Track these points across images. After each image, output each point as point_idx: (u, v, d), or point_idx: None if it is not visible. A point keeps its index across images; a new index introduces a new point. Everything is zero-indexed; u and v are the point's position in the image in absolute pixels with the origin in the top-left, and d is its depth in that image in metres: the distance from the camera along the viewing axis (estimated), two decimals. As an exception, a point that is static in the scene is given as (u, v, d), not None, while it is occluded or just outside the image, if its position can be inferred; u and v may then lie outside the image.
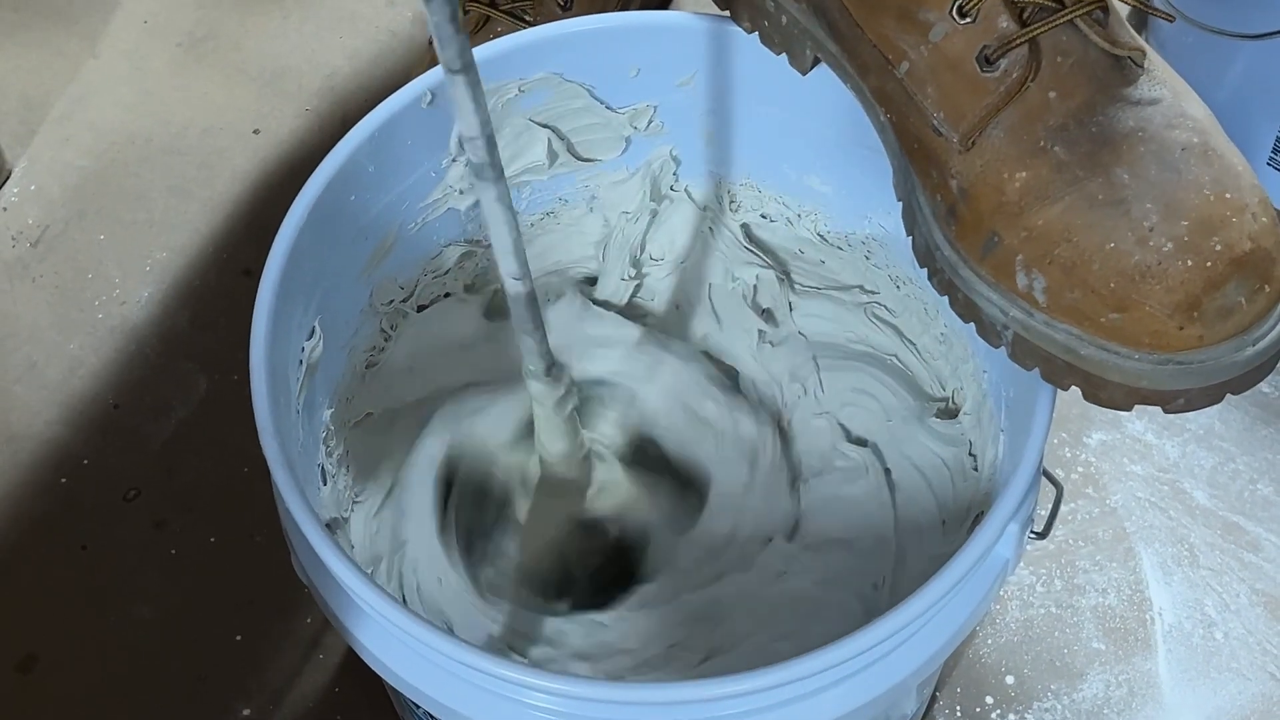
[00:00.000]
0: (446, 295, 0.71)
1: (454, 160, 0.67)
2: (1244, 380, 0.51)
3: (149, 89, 0.97)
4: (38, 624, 0.75)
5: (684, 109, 0.69)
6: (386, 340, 0.69)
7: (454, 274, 0.71)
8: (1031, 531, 0.58)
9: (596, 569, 0.68)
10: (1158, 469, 0.79)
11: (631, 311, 0.74)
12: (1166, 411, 0.52)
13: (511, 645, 0.64)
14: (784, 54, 0.63)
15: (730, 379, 0.73)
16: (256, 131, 0.94)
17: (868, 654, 0.51)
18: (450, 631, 0.59)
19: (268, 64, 0.98)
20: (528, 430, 0.67)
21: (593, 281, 0.74)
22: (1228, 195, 0.51)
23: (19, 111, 0.95)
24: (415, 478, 0.68)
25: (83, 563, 0.77)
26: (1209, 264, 0.50)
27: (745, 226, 0.73)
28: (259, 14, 1.00)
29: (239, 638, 0.74)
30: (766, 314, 0.73)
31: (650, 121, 0.70)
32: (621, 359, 0.72)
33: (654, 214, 0.73)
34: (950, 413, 0.68)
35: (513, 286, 0.56)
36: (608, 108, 0.69)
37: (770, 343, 0.72)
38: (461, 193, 0.68)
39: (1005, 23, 0.53)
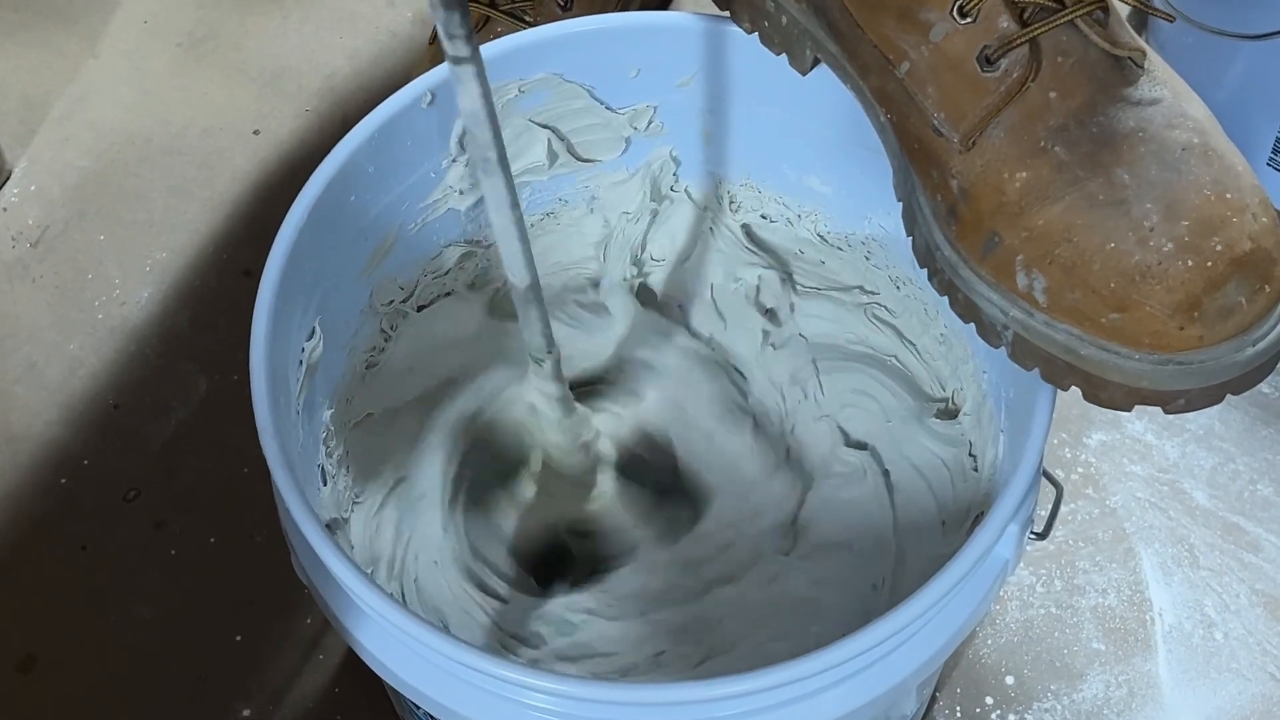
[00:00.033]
0: (448, 294, 0.71)
1: (454, 160, 0.67)
2: (1244, 380, 0.51)
3: (149, 89, 0.97)
4: (38, 624, 0.75)
5: (684, 109, 0.69)
6: (386, 341, 0.69)
7: (454, 274, 0.71)
8: (1031, 532, 0.58)
9: (584, 558, 0.68)
10: (1158, 469, 0.79)
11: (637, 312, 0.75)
12: (1167, 412, 0.52)
13: (500, 642, 0.64)
14: (784, 54, 0.63)
15: (733, 381, 0.73)
16: (256, 132, 0.94)
17: (868, 654, 0.51)
18: (446, 629, 0.59)
19: (268, 64, 0.98)
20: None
21: (596, 284, 0.74)
22: (1228, 195, 0.51)
23: (19, 111, 0.95)
24: (435, 440, 0.69)
25: (83, 563, 0.77)
26: (1209, 264, 0.50)
27: (746, 227, 0.73)
28: (259, 14, 1.00)
29: (239, 638, 0.74)
30: (770, 314, 0.73)
31: (650, 122, 0.70)
32: (628, 359, 0.72)
33: (654, 214, 0.73)
34: (950, 413, 0.68)
35: (516, 276, 0.56)
36: (608, 108, 0.69)
37: (773, 345, 0.72)
38: (461, 193, 0.68)
39: (1006, 23, 0.53)
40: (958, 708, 0.72)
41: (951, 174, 0.54)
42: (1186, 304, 0.50)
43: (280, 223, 0.59)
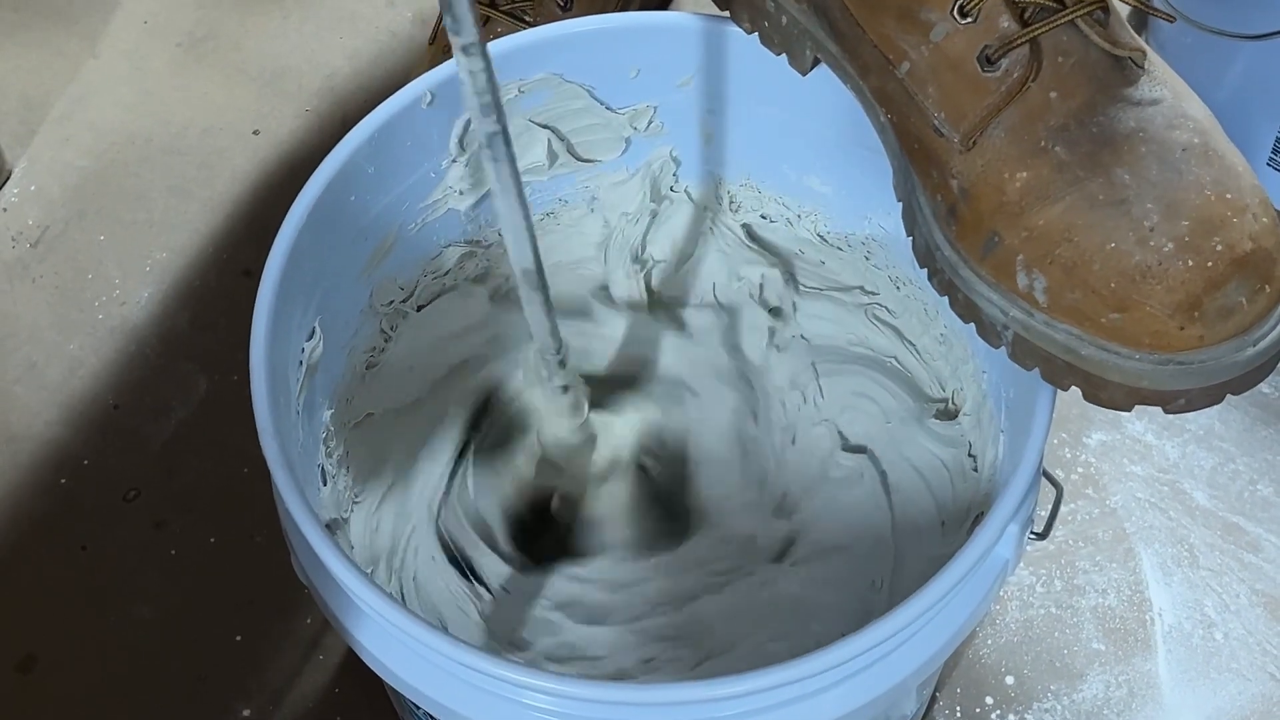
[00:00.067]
0: (451, 289, 0.71)
1: (454, 161, 0.67)
2: (1244, 380, 0.51)
3: (149, 89, 0.97)
4: (38, 624, 0.75)
5: (684, 109, 0.69)
6: (386, 341, 0.69)
7: (454, 274, 0.71)
8: (1031, 532, 0.58)
9: (574, 541, 0.68)
10: (1158, 469, 0.79)
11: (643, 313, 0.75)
12: (1167, 412, 0.52)
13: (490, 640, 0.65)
14: (784, 54, 0.63)
15: (735, 386, 0.72)
16: (256, 132, 0.94)
17: (868, 654, 0.51)
18: (444, 629, 0.59)
19: (268, 64, 0.98)
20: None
21: (600, 285, 0.75)
22: (1228, 195, 0.51)
23: (19, 111, 0.95)
24: (451, 410, 0.70)
25: (83, 563, 0.77)
26: (1210, 264, 0.50)
27: (746, 226, 0.73)
28: (259, 14, 1.00)
29: (239, 638, 0.74)
30: (774, 312, 0.73)
31: (650, 122, 0.70)
32: (630, 360, 0.73)
33: (654, 215, 0.73)
34: (950, 414, 0.68)
35: (521, 264, 0.56)
36: (607, 108, 0.69)
37: (777, 346, 0.72)
38: (461, 193, 0.68)
39: (1006, 23, 0.53)
40: (958, 708, 0.72)
41: (952, 174, 0.54)
42: (1187, 304, 0.50)
43: (280, 223, 0.59)
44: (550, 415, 0.65)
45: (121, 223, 0.90)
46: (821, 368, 0.71)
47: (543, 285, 0.57)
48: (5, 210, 0.91)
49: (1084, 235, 0.51)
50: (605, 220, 0.73)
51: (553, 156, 0.69)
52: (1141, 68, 0.54)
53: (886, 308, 0.71)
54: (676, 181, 0.73)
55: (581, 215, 0.73)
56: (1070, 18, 0.53)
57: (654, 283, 0.75)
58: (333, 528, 0.62)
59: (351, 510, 0.66)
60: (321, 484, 0.63)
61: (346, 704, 0.72)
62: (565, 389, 0.63)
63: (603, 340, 0.73)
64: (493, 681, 0.50)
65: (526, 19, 0.80)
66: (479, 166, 0.68)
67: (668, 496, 0.70)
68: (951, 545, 0.60)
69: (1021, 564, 0.74)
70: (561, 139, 0.69)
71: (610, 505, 0.68)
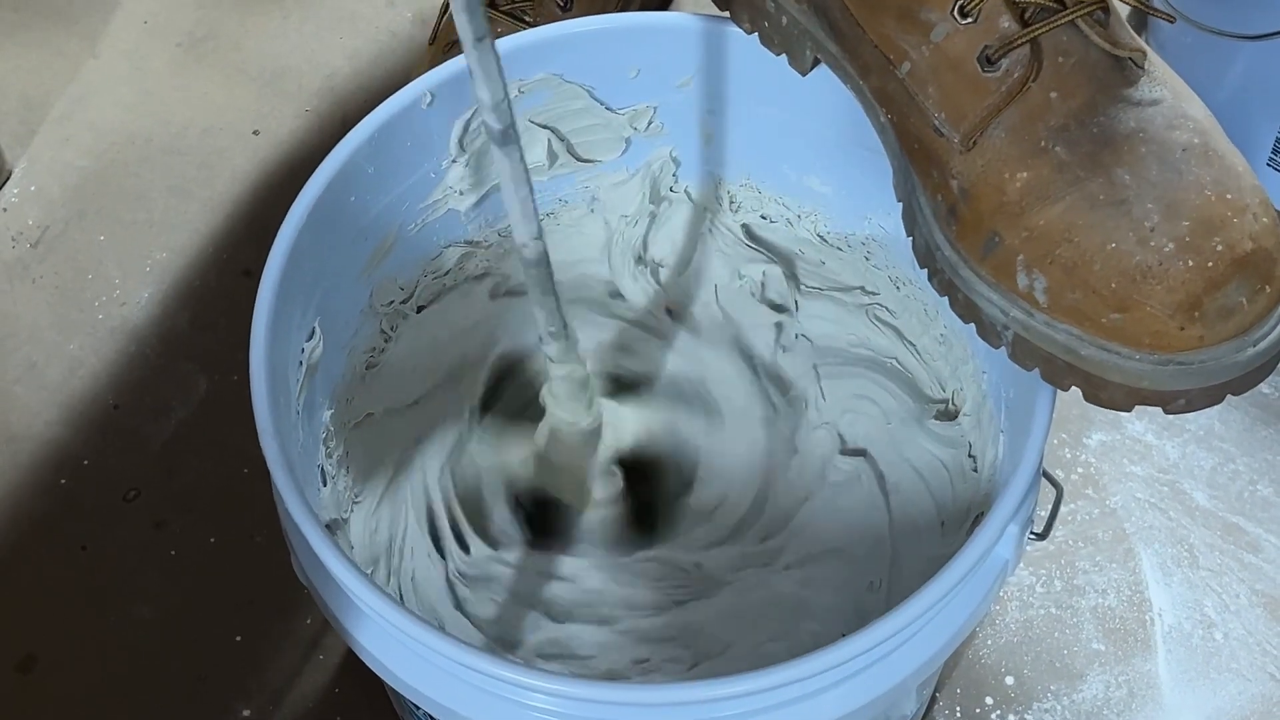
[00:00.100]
0: (452, 289, 0.71)
1: (454, 161, 0.67)
2: (1245, 381, 0.51)
3: (149, 89, 0.97)
4: (38, 624, 0.75)
5: (684, 110, 0.69)
6: (386, 341, 0.69)
7: (454, 275, 0.71)
8: (1031, 532, 0.58)
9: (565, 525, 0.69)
10: (1157, 470, 0.79)
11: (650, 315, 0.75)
12: (1167, 412, 0.52)
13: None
14: (784, 55, 0.63)
15: (741, 388, 0.72)
16: (256, 132, 0.94)
17: (867, 655, 0.51)
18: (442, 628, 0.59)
19: (268, 64, 0.98)
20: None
21: (615, 291, 0.75)
22: (1229, 196, 0.51)
23: (19, 111, 0.95)
24: (452, 407, 0.70)
25: (83, 563, 0.77)
26: (1210, 264, 0.50)
27: (745, 226, 0.73)
28: (259, 14, 1.00)
29: (239, 638, 0.74)
30: (778, 309, 0.73)
31: (650, 122, 0.70)
32: (643, 359, 0.73)
33: (653, 216, 0.73)
34: (950, 414, 0.68)
35: (527, 251, 0.56)
36: (607, 109, 0.69)
37: (783, 346, 0.72)
38: (461, 193, 0.68)
39: (1007, 23, 0.53)
40: (958, 708, 0.72)
41: (952, 174, 0.54)
42: (1187, 304, 0.50)
43: (280, 223, 0.59)
44: (558, 401, 0.65)
45: (121, 223, 0.90)
46: (823, 370, 0.71)
47: (547, 269, 0.57)
48: (5, 210, 0.91)
49: (1084, 235, 0.51)
50: (605, 222, 0.73)
51: (553, 157, 0.69)
52: (1141, 68, 0.54)
53: (887, 308, 0.71)
54: (676, 182, 0.73)
55: (582, 215, 0.73)
56: (1070, 18, 0.53)
57: (661, 284, 0.74)
58: (332, 528, 0.62)
59: (351, 510, 0.66)
60: (321, 484, 0.63)
61: (346, 704, 0.72)
62: (572, 367, 0.63)
63: (611, 340, 0.73)
64: (492, 681, 0.50)
65: (526, 19, 0.80)
66: (479, 167, 0.68)
67: (666, 494, 0.70)
68: (951, 546, 0.60)
69: (1021, 564, 0.74)
70: (561, 139, 0.69)
71: (607, 500, 0.68)
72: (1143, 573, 0.76)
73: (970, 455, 0.66)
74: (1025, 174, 0.53)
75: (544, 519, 0.69)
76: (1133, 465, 0.79)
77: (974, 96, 0.54)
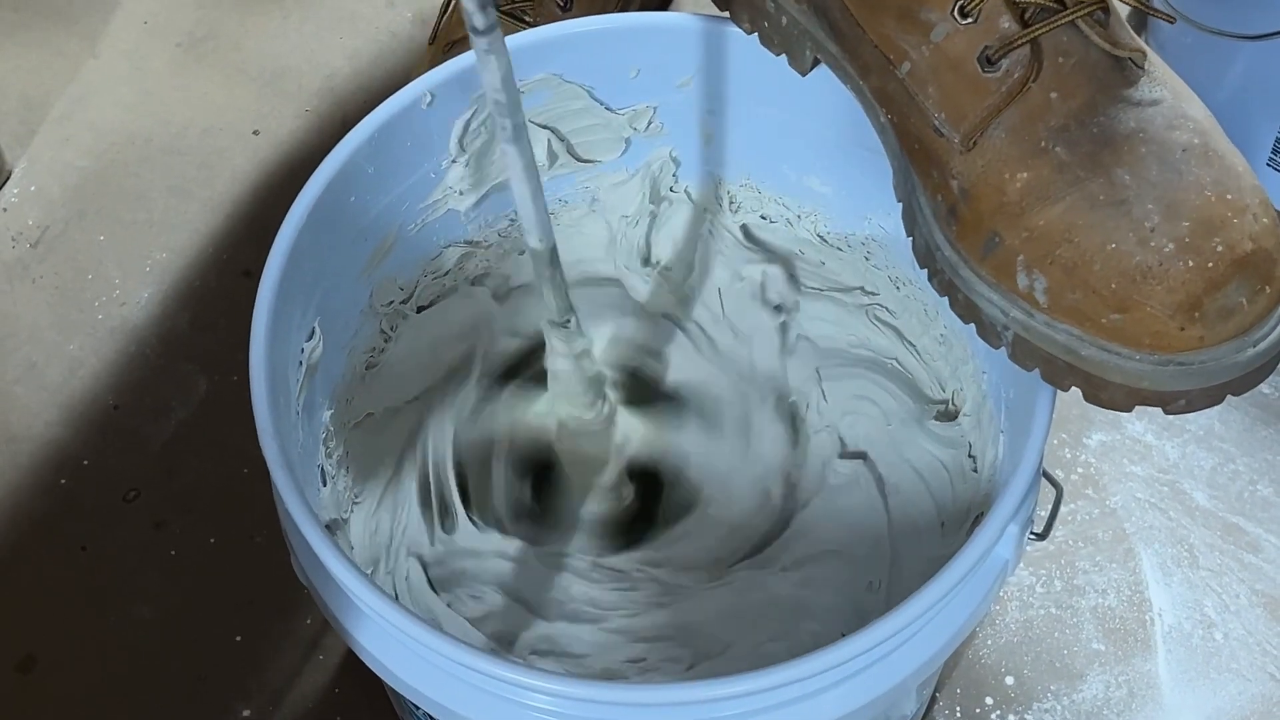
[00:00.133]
0: (452, 290, 0.71)
1: (454, 161, 0.67)
2: (1245, 381, 0.51)
3: (149, 89, 0.97)
4: (38, 624, 0.75)
5: (683, 110, 0.69)
6: (386, 341, 0.69)
7: (454, 275, 0.71)
8: (1031, 532, 0.58)
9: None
10: (1157, 470, 0.79)
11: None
12: (1167, 412, 0.52)
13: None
14: (784, 55, 0.63)
15: (745, 391, 0.72)
16: (256, 132, 0.94)
17: (867, 655, 0.51)
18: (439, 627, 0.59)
19: (268, 64, 0.98)
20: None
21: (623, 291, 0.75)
22: (1229, 196, 0.51)
23: (19, 111, 0.95)
24: (454, 404, 0.70)
25: (83, 563, 0.77)
26: (1210, 265, 0.50)
27: (745, 227, 0.73)
28: (259, 14, 1.00)
29: (239, 638, 0.74)
30: (779, 310, 0.73)
31: (650, 122, 0.70)
32: (651, 358, 0.73)
33: (654, 216, 0.73)
34: (950, 415, 0.68)
35: (534, 241, 0.56)
36: (607, 109, 0.69)
37: (787, 350, 0.72)
38: (461, 194, 0.68)
39: (1007, 23, 0.53)
40: (958, 708, 0.72)
41: (952, 174, 0.54)
42: (1187, 304, 0.50)
43: (280, 223, 0.59)
44: (566, 394, 0.65)
45: (121, 223, 0.90)
46: (824, 372, 0.71)
47: (555, 261, 0.57)
48: (5, 210, 0.91)
49: (1084, 236, 0.51)
50: (607, 222, 0.73)
51: (553, 157, 0.69)
52: (1141, 68, 0.54)
53: (887, 308, 0.71)
54: (676, 182, 0.73)
55: (582, 215, 0.73)
56: (1071, 18, 0.53)
57: (669, 284, 0.74)
58: (332, 528, 0.62)
59: (351, 510, 0.66)
60: (321, 484, 0.63)
61: (346, 704, 0.72)
62: (579, 357, 0.63)
63: (618, 336, 0.73)
64: (492, 681, 0.50)
65: (526, 19, 0.80)
66: (479, 167, 0.68)
67: (665, 495, 0.70)
68: (951, 546, 0.60)
69: (1021, 564, 0.74)
70: (561, 139, 0.69)
71: (606, 496, 0.68)
72: (1143, 573, 0.76)
73: (970, 455, 0.66)
74: (1025, 174, 0.53)
75: (543, 506, 0.68)
76: (1133, 465, 0.79)
77: (974, 97, 0.54)
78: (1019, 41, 0.53)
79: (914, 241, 0.58)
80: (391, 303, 0.68)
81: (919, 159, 0.56)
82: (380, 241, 0.66)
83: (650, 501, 0.70)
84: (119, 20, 1.00)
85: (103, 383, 0.83)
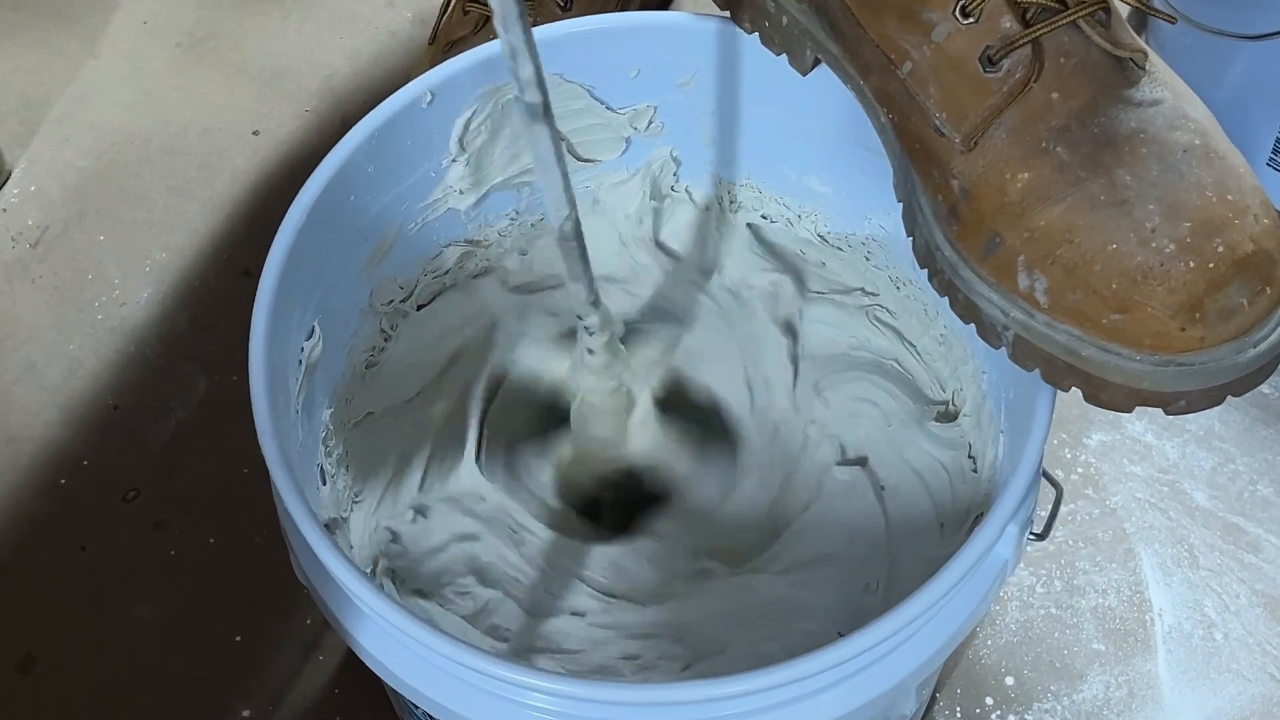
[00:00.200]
0: (451, 287, 0.71)
1: (454, 160, 0.67)
2: (1245, 382, 0.51)
3: (149, 89, 0.97)
4: (38, 624, 0.75)
5: (684, 110, 0.69)
6: (386, 340, 0.69)
7: (454, 274, 0.71)
8: (1031, 532, 0.58)
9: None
10: (1158, 470, 0.79)
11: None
12: (1167, 413, 0.52)
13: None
14: (784, 54, 0.63)
15: (750, 395, 0.72)
16: (256, 132, 0.94)
17: (867, 655, 0.50)
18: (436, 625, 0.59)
19: (268, 64, 0.98)
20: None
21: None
22: (1230, 197, 0.51)
23: (19, 111, 0.95)
24: (454, 401, 0.70)
25: (82, 563, 0.77)
26: (1211, 265, 0.50)
27: (752, 227, 0.73)
28: (259, 14, 1.00)
29: (239, 638, 0.74)
30: (787, 327, 0.72)
31: (650, 122, 0.70)
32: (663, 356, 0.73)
33: (657, 212, 0.73)
34: (950, 415, 0.68)
35: (559, 223, 0.56)
36: (608, 108, 0.69)
37: (791, 356, 0.72)
38: (461, 193, 0.68)
39: (1008, 23, 0.53)
40: (958, 708, 0.72)
41: (953, 174, 0.54)
42: (1188, 305, 0.50)
43: (280, 223, 0.59)
44: (594, 371, 0.65)
45: (121, 223, 0.90)
46: (825, 382, 0.71)
47: (580, 242, 0.58)
48: (5, 210, 0.91)
49: (1085, 236, 0.51)
50: (611, 222, 0.73)
51: (553, 156, 0.69)
52: (1142, 69, 0.54)
53: (887, 309, 0.71)
54: (677, 181, 0.73)
55: (583, 215, 0.72)
56: (1072, 18, 0.53)
57: (674, 284, 0.74)
58: (332, 527, 0.62)
59: (351, 510, 0.66)
60: (321, 483, 0.63)
61: (346, 704, 0.72)
62: (603, 339, 0.63)
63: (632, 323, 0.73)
64: (492, 682, 0.50)
65: (526, 19, 0.80)
66: (479, 166, 0.68)
67: (664, 494, 0.70)
68: (950, 546, 0.60)
69: (1021, 564, 0.74)
70: (561, 138, 0.69)
71: (649, 442, 0.68)
72: (1143, 573, 0.76)
73: (970, 456, 0.66)
74: (1026, 174, 0.53)
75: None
76: (1133, 465, 0.79)
77: (975, 97, 0.54)
78: (1020, 41, 0.53)
79: (914, 241, 0.58)
80: (391, 302, 0.68)
81: (920, 159, 0.56)
82: (380, 241, 0.66)
83: (650, 496, 0.69)
84: (119, 20, 1.00)
85: (102, 383, 0.83)
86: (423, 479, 0.69)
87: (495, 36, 0.66)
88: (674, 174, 0.72)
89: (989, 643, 0.74)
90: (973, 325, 0.55)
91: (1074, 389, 0.53)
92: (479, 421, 0.70)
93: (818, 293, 0.73)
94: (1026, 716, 0.72)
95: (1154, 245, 0.50)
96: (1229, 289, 0.50)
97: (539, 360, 0.71)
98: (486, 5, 0.80)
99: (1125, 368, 0.51)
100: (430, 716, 0.55)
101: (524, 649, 0.64)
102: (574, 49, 0.66)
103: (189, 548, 0.77)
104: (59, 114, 0.95)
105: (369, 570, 0.65)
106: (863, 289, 0.71)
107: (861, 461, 0.69)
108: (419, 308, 0.70)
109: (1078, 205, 0.51)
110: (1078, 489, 0.78)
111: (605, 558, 0.67)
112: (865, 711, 0.52)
